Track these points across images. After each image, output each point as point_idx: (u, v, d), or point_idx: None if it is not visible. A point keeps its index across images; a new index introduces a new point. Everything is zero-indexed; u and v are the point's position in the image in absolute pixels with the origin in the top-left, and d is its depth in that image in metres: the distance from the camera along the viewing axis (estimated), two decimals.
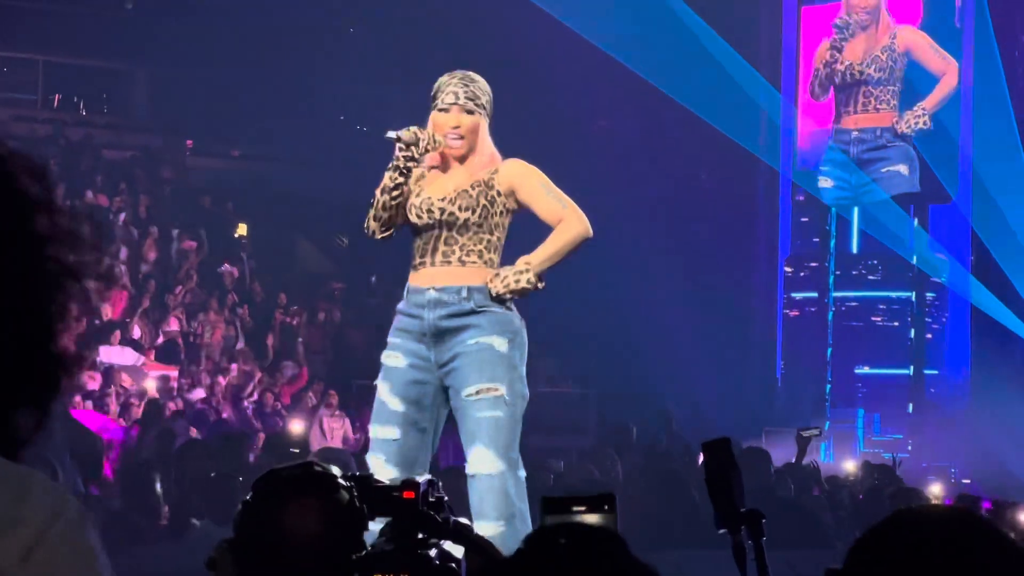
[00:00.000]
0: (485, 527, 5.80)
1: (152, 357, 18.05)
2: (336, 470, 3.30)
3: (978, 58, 20.46)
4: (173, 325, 19.06)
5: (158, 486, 9.25)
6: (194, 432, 14.45)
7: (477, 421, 5.96)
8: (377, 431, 6.18)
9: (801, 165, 21.28)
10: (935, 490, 12.18)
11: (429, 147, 6.10)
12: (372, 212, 6.19)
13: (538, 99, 20.54)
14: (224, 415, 16.70)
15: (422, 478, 3.35)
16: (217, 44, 22.11)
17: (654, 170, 20.72)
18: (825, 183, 20.78)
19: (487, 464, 5.93)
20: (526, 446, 13.18)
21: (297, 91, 23.35)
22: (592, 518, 3.14)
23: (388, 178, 6.12)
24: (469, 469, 5.99)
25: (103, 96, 24.50)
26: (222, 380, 17.94)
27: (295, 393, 18.36)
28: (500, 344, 6.04)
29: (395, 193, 6.11)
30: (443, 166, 6.23)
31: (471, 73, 6.28)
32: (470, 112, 6.15)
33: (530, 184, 6.16)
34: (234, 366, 18.45)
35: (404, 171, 6.10)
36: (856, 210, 21.09)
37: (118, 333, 17.88)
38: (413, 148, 6.06)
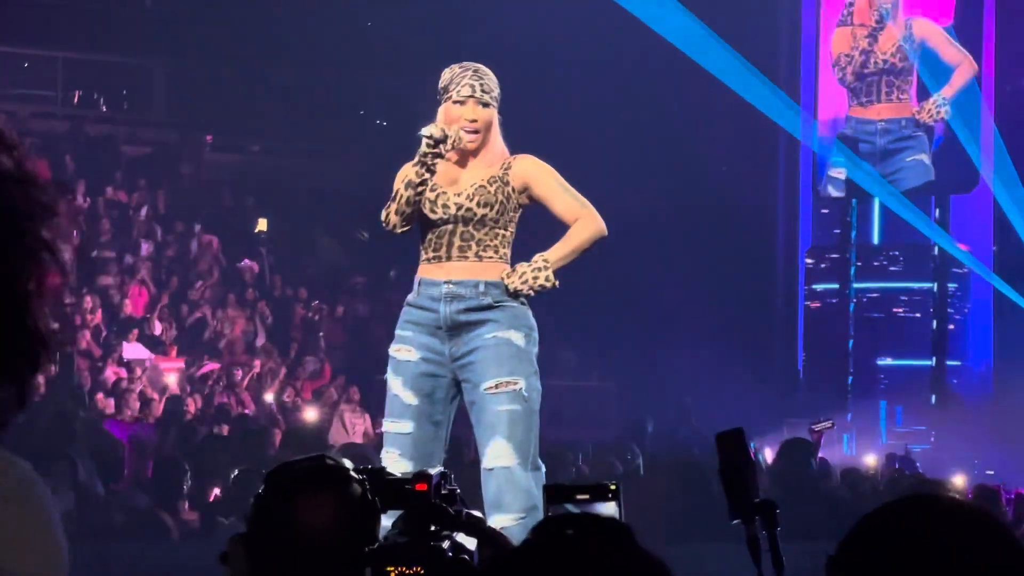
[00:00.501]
0: (504, 519, 5.80)
1: (173, 353, 18.08)
2: (348, 463, 3.30)
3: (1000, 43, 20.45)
4: (193, 321, 19.09)
5: (185, 484, 9.27)
6: (215, 428, 14.47)
7: (497, 415, 5.96)
8: (390, 425, 6.18)
9: (826, 156, 21.24)
10: (957, 481, 12.14)
11: (455, 144, 6.11)
12: (394, 206, 6.17)
13: (552, 89, 20.51)
14: (245, 411, 16.73)
15: (434, 470, 3.35)
16: (236, 38, 22.13)
17: (673, 163, 20.67)
18: (840, 174, 20.72)
19: (506, 457, 5.93)
20: (546, 439, 13.18)
21: (317, 85, 23.37)
22: (600, 507, 3.14)
23: (415, 173, 6.10)
24: (487, 463, 5.98)
25: (122, 92, 24.54)
26: (243, 375, 17.97)
27: (316, 388, 18.38)
28: (518, 338, 6.04)
29: (420, 188, 6.11)
30: (455, 160, 6.23)
31: (481, 66, 6.28)
32: (485, 105, 6.16)
33: (546, 181, 6.16)
34: (255, 361, 18.48)
35: (431, 168, 6.10)
36: (877, 201, 21.05)
37: (136, 331, 17.92)
38: (442, 145, 6.06)
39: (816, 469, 10.52)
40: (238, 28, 22.08)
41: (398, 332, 6.20)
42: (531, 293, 6.09)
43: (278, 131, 23.46)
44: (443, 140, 6.06)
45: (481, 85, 6.15)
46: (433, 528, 3.19)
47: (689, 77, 20.17)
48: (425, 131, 6.07)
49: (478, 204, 6.09)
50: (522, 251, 6.26)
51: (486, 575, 2.13)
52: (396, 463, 5.94)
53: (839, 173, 20.66)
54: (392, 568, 3.06)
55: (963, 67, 19.86)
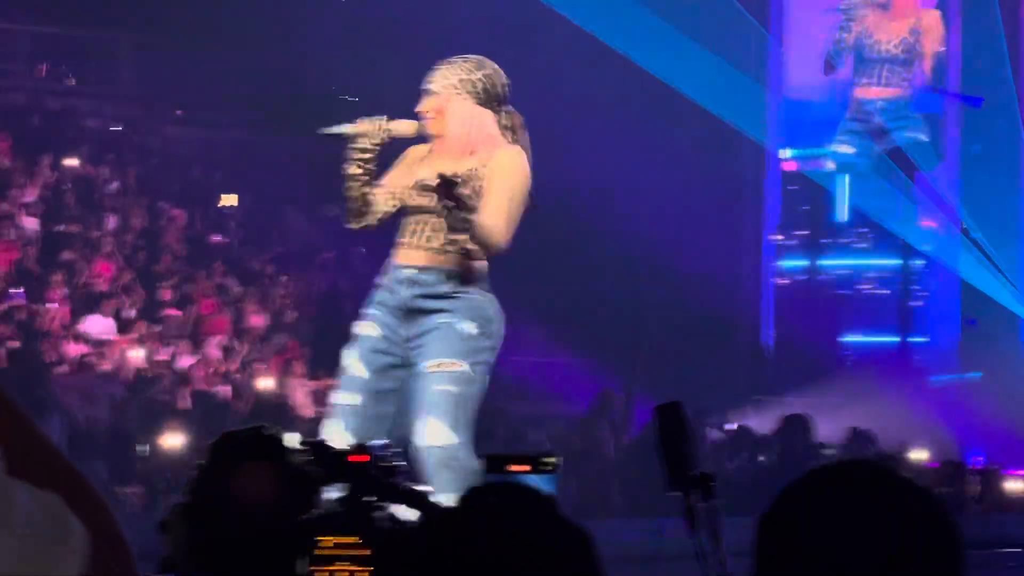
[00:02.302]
0: (442, 500, 5.80)
1: (141, 328, 18.04)
2: (294, 435, 3.31)
3: (971, 21, 20.52)
4: (161, 296, 19.04)
5: (142, 456, 9.28)
6: (179, 402, 14.46)
7: (434, 393, 5.97)
8: (339, 396, 6.20)
9: (795, 136, 21.27)
10: (919, 456, 12.22)
11: (384, 136, 6.10)
12: (346, 205, 6.22)
13: (527, 72, 20.46)
14: (211, 386, 16.70)
15: (376, 443, 3.36)
16: (205, 12, 22.03)
17: (639, 138, 20.68)
18: (845, 149, 20.77)
19: (441, 436, 5.92)
20: (511, 415, 13.19)
21: (286, 60, 23.28)
22: (532, 479, 3.16)
23: (344, 170, 6.14)
24: (419, 441, 5.97)
25: (89, 66, 24.41)
26: (209, 351, 17.94)
27: (284, 363, 18.37)
28: (470, 327, 6.06)
29: (355, 184, 6.11)
30: (435, 149, 6.26)
31: (466, 56, 6.28)
32: (436, 93, 6.16)
33: (498, 181, 6.13)
34: (221, 336, 18.45)
35: (358, 164, 6.10)
36: (846, 178, 21.08)
37: (105, 304, 17.87)
38: (365, 140, 6.06)
39: (816, 443, 10.61)
40: (207, 1, 21.99)
41: (365, 311, 6.23)
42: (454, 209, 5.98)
43: (247, 106, 23.38)
44: (361, 135, 6.06)
45: (433, 75, 6.19)
46: (372, 499, 3.20)
47: (658, 48, 20.17)
48: (334, 130, 6.10)
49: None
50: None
51: (412, 542, 2.15)
52: (340, 435, 5.96)
53: (846, 148, 20.67)
54: (327, 538, 3.07)
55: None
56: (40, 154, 20.36)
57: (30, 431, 1.73)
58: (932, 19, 20.09)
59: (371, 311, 6.18)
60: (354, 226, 6.24)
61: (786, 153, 21.48)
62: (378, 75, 18.08)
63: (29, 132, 21.26)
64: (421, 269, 6.06)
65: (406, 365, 6.11)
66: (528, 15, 20.06)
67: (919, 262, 20.82)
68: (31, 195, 19.54)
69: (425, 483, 5.89)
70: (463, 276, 6.05)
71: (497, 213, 6.04)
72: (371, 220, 6.21)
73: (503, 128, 6.23)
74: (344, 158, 6.10)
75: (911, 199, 20.65)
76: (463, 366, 5.95)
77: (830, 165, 20.86)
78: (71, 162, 20.93)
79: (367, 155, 6.07)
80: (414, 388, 6.03)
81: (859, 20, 20.06)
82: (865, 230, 21.01)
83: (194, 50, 22.97)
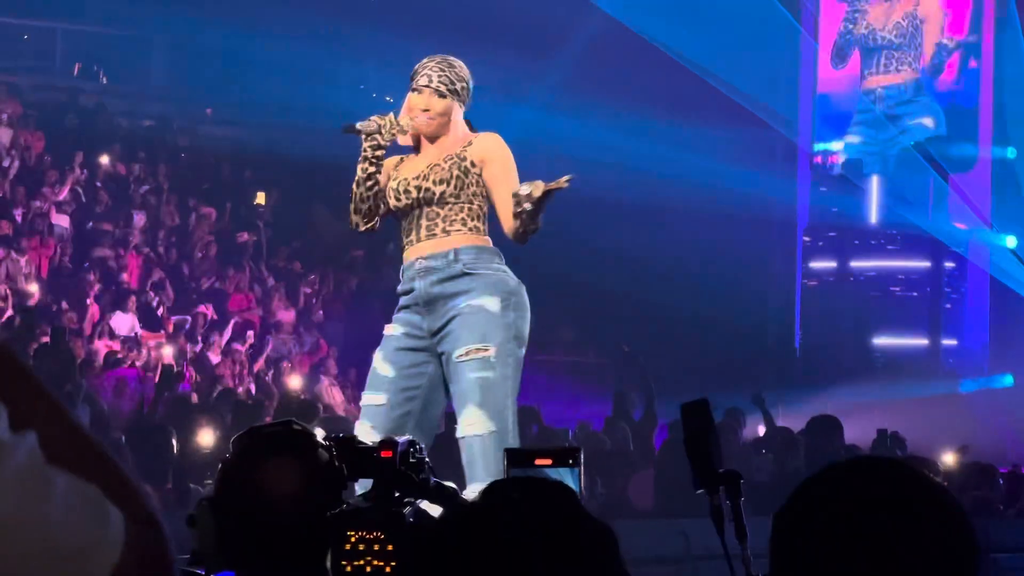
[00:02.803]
0: (479, 489, 5.81)
1: (170, 325, 18.10)
2: (318, 430, 3.32)
3: (1000, 26, 20.41)
4: (190, 293, 19.11)
5: (171, 451, 9.30)
6: (208, 400, 14.48)
7: (469, 382, 5.96)
8: (366, 398, 6.23)
9: (824, 131, 21.23)
10: (948, 459, 12.17)
11: (395, 131, 6.12)
12: (352, 206, 6.22)
13: (552, 70, 20.50)
14: (241, 384, 16.75)
15: (402, 438, 3.37)
16: (236, 11, 22.10)
17: (670, 140, 20.66)
18: (852, 139, 20.75)
19: (478, 425, 5.92)
20: (542, 414, 13.17)
21: (316, 59, 23.34)
22: (558, 473, 3.16)
23: (360, 170, 6.15)
24: (459, 431, 5.99)
25: (121, 64, 24.50)
26: (239, 348, 17.98)
27: (314, 363, 18.40)
28: (492, 304, 6.04)
29: (369, 183, 6.14)
30: (416, 149, 6.27)
31: (451, 58, 6.30)
32: (442, 96, 6.17)
33: (501, 164, 6.15)
34: (250, 334, 18.49)
35: (373, 161, 6.12)
36: (875, 179, 21.03)
37: (134, 300, 17.93)
38: (378, 136, 6.07)
39: (844, 446, 10.57)
40: (238, 2, 22.05)
41: (394, 314, 6.27)
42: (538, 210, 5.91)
43: (277, 104, 23.44)
44: (375, 131, 6.07)
45: (440, 76, 6.19)
46: (397, 495, 3.22)
47: (689, 49, 20.17)
48: (357, 126, 6.10)
49: (434, 182, 6.13)
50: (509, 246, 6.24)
51: (436, 536, 2.16)
52: (368, 435, 5.95)
53: (854, 139, 20.64)
54: (353, 532, 3.08)
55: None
56: (73, 152, 20.45)
57: (66, 418, 1.75)
58: (931, 5, 20.07)
59: (396, 315, 6.24)
60: (362, 228, 6.27)
61: (817, 147, 21.45)
62: (407, 74, 18.06)
63: (63, 130, 21.36)
64: (430, 256, 6.10)
65: (435, 359, 6.12)
66: (566, 15, 20.06)
67: (949, 264, 20.75)
68: (63, 193, 19.63)
69: (468, 474, 5.91)
70: (474, 252, 6.09)
71: (511, 203, 6.10)
72: (376, 222, 6.27)
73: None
74: (362, 156, 6.11)
75: (941, 200, 20.59)
76: (492, 350, 5.94)
77: (839, 159, 20.86)
78: (103, 160, 21.02)
79: (380, 152, 6.11)
80: (449, 379, 6.04)
81: (864, 12, 20.09)
82: (895, 232, 20.95)
83: (224, 50, 23.05)
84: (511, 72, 18.02)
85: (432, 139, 6.24)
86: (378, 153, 6.10)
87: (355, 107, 23.50)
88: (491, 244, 6.19)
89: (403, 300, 6.21)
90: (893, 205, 20.79)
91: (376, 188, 6.14)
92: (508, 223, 6.06)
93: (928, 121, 20.11)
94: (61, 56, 24.03)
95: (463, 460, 5.93)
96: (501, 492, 2.18)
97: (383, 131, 6.07)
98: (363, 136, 6.09)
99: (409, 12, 21.80)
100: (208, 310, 18.77)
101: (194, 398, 14.14)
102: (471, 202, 6.15)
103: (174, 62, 24.38)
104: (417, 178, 6.16)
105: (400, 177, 6.21)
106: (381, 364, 6.18)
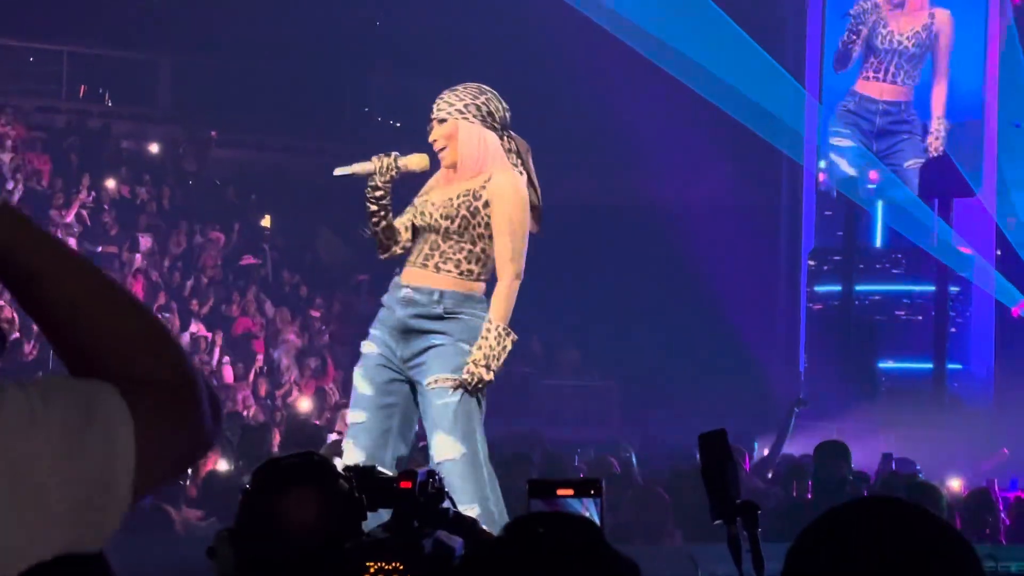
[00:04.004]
0: (468, 511, 5.87)
1: None
2: (338, 460, 3.34)
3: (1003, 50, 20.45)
4: (195, 317, 19.11)
5: (187, 478, 9.29)
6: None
7: (435, 408, 6.08)
8: (349, 415, 6.36)
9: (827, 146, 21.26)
10: (953, 484, 12.15)
11: (392, 173, 6.18)
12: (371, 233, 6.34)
13: (559, 89, 20.54)
14: (247, 407, 16.75)
15: (421, 469, 3.38)
16: (242, 34, 22.16)
17: (675, 162, 20.70)
18: (844, 143, 20.71)
19: (449, 450, 6.03)
20: (547, 439, 13.16)
21: (321, 82, 23.39)
22: (579, 505, 3.17)
23: (366, 208, 6.24)
24: (434, 457, 6.07)
25: (127, 87, 24.56)
26: (244, 372, 17.99)
27: (320, 386, 18.40)
28: (465, 347, 6.13)
29: (374, 220, 6.25)
30: (445, 173, 6.34)
31: (460, 85, 6.36)
32: (443, 120, 6.23)
33: (502, 211, 6.21)
34: (258, 358, 18.50)
35: (373, 200, 6.20)
36: (880, 204, 21.03)
37: None
38: (376, 177, 6.15)
39: (851, 471, 10.55)
40: (244, 24, 22.10)
41: (370, 329, 6.34)
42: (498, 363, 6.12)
43: (282, 127, 23.49)
44: (371, 173, 6.15)
45: (439, 104, 6.27)
46: (416, 525, 3.23)
47: (691, 73, 20.18)
48: (346, 170, 6.19)
49: (441, 216, 6.20)
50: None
51: (458, 572, 2.17)
52: (351, 452, 6.10)
53: (845, 142, 20.63)
54: (372, 563, 3.10)
55: (938, 88, 20.02)
56: (79, 175, 20.48)
57: (98, 272, 1.75)
58: (945, 17, 20.16)
59: (373, 331, 6.34)
60: (383, 256, 6.39)
61: (822, 164, 21.43)
62: (415, 97, 18.12)
63: (68, 153, 21.39)
64: (416, 289, 6.17)
65: (407, 381, 6.24)
66: (572, 34, 20.08)
67: (954, 288, 20.74)
68: (70, 216, 19.65)
69: (454, 498, 5.95)
70: (458, 297, 6.15)
71: (504, 252, 6.15)
72: (397, 249, 6.33)
73: (507, 152, 6.31)
74: (366, 196, 6.22)
75: (947, 224, 20.59)
76: (458, 379, 6.07)
77: (825, 176, 20.88)
78: (109, 183, 21.04)
79: (379, 192, 6.16)
80: (421, 408, 6.16)
81: (873, 13, 20.12)
82: (899, 256, 20.94)
83: (230, 73, 23.10)
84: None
85: (451, 165, 6.30)
86: (376, 194, 6.18)
87: (360, 130, 23.58)
88: (480, 292, 6.25)
89: (383, 316, 6.30)
90: (897, 229, 20.78)
91: (383, 224, 6.23)
92: (498, 276, 6.22)
93: (919, 141, 20.17)
94: (67, 79, 24.07)
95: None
96: (525, 527, 2.18)
97: (380, 172, 6.14)
98: (365, 179, 6.20)
99: (413, 36, 21.85)
100: (214, 333, 18.78)
101: None
102: (474, 244, 6.20)
103: (180, 85, 24.42)
104: (434, 204, 6.24)
105: (426, 196, 6.30)
106: (360, 382, 6.30)
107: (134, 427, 1.68)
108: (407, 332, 6.19)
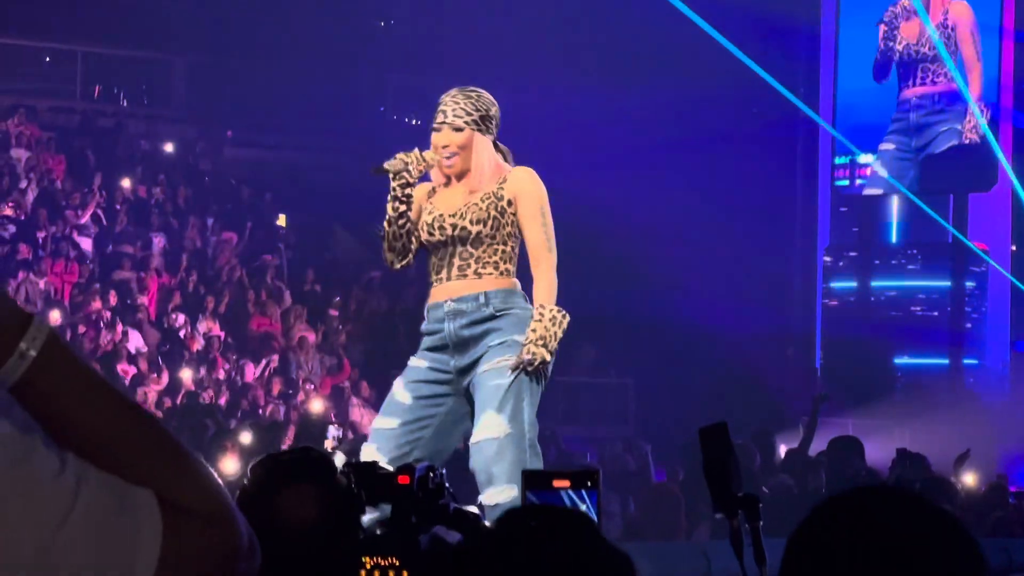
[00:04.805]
0: (496, 494, 5.77)
1: (192, 347, 18.12)
2: (339, 455, 3.33)
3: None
4: (211, 315, 19.12)
5: None
6: (230, 423, 14.50)
7: (487, 389, 5.96)
8: (378, 421, 6.20)
9: (846, 144, 21.23)
10: (968, 479, 12.12)
11: (421, 167, 6.10)
12: (386, 244, 6.19)
13: (571, 79, 20.50)
14: (262, 406, 16.75)
15: (420, 464, 3.36)
16: (256, 34, 22.19)
17: (692, 161, 20.68)
18: (887, 147, 20.77)
19: (492, 429, 5.86)
20: (562, 436, 13.14)
21: (336, 81, 23.41)
22: (575, 495, 3.16)
23: (390, 208, 6.10)
24: (473, 437, 5.97)
25: (142, 87, 24.61)
26: (259, 371, 17.99)
27: (336, 384, 18.39)
28: (520, 338, 6.05)
29: (401, 222, 6.10)
30: (447, 184, 6.24)
31: (469, 88, 6.26)
32: (459, 129, 6.13)
33: (530, 203, 6.13)
34: (273, 356, 18.48)
35: (403, 199, 6.09)
36: (895, 199, 21.02)
37: (154, 323, 17.95)
38: (405, 174, 6.05)
39: (865, 466, 10.53)
40: (258, 23, 22.14)
41: (419, 352, 6.25)
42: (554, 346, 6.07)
43: (297, 126, 23.51)
44: (403, 170, 6.05)
45: (455, 110, 6.14)
46: (414, 521, 3.21)
47: (710, 68, 20.15)
48: (384, 166, 6.08)
49: (471, 222, 6.09)
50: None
51: (452, 564, 2.15)
52: (372, 456, 5.92)
53: (888, 146, 20.66)
54: (367, 558, 3.08)
55: (974, 75, 20.01)
56: (93, 175, 20.51)
57: (143, 417, 1.74)
58: (960, 7, 20.20)
59: (423, 351, 6.22)
60: (397, 265, 6.27)
61: (839, 160, 21.43)
62: (430, 96, 18.10)
63: (83, 153, 21.43)
64: (460, 299, 6.08)
65: (457, 395, 6.11)
66: (584, 39, 20.08)
67: (970, 283, 20.71)
68: (85, 216, 19.69)
69: (479, 482, 5.88)
70: (503, 295, 6.08)
71: (539, 243, 6.08)
72: (411, 259, 6.25)
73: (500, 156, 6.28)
74: (392, 195, 6.07)
75: (962, 218, 20.56)
76: (512, 360, 5.97)
77: (867, 172, 20.87)
78: (124, 182, 21.08)
79: (410, 190, 6.08)
80: (474, 396, 6.05)
81: (897, 29, 20.23)
82: (915, 251, 20.92)
83: (245, 72, 23.13)
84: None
85: (461, 173, 6.21)
86: (408, 191, 6.06)
87: (375, 129, 23.59)
88: (518, 287, 6.20)
89: (429, 340, 6.18)
90: (913, 224, 20.76)
91: (408, 225, 6.11)
92: (535, 267, 6.15)
93: (959, 125, 20.20)
94: (82, 79, 24.13)
95: (475, 467, 5.89)
96: (518, 520, 2.17)
97: (410, 168, 6.05)
98: (391, 175, 6.06)
99: (425, 35, 21.85)
100: (228, 332, 18.79)
101: (215, 420, 14.13)
102: (505, 243, 6.13)
103: (194, 84, 24.46)
104: (453, 215, 6.13)
105: (435, 211, 6.18)
106: (400, 391, 6.17)
107: (163, 529, 1.67)
108: (461, 344, 6.09)
